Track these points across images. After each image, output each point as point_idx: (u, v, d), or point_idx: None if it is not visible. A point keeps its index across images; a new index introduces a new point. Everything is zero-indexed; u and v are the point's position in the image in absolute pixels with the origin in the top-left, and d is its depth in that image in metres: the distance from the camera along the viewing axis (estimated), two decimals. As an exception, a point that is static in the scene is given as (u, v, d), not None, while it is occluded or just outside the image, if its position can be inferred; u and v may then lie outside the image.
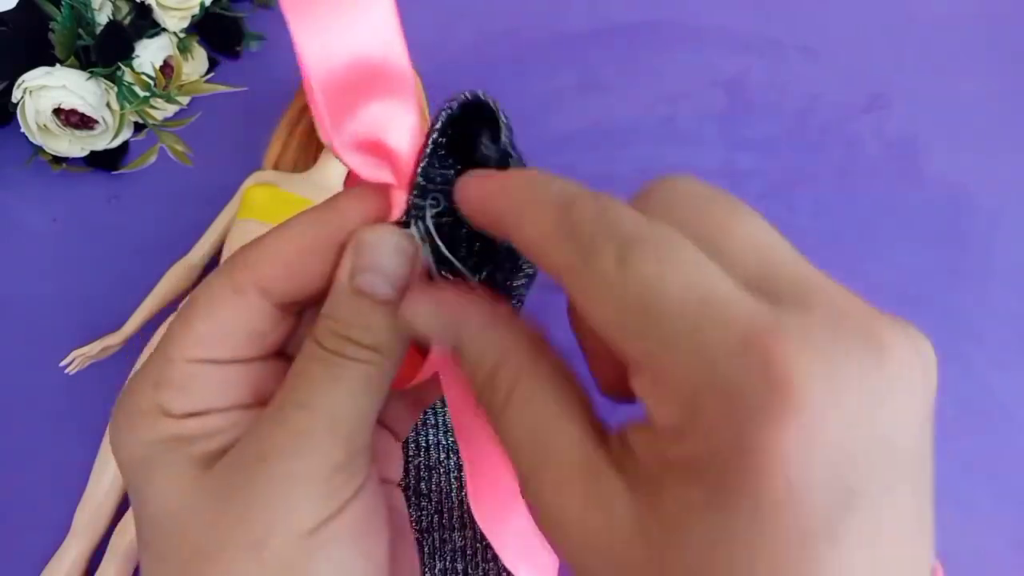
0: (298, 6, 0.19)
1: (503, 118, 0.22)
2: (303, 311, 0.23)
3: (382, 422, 0.26)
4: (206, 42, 0.49)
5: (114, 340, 0.41)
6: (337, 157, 0.22)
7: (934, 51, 0.50)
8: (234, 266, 0.21)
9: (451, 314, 0.20)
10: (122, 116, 0.45)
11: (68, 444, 0.40)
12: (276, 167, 0.46)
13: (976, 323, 0.42)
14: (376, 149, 0.21)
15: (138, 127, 0.47)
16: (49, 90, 0.43)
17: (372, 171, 0.22)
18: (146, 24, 0.46)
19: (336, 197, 0.22)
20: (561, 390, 0.19)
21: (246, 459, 0.20)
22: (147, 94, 0.44)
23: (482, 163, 0.22)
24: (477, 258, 0.23)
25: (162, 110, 0.47)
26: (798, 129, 0.47)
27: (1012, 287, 0.43)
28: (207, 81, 0.48)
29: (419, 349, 0.24)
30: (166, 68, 0.46)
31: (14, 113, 0.44)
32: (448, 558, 0.38)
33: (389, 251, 0.21)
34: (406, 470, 0.38)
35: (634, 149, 0.46)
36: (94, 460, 0.39)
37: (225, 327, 0.21)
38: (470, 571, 0.37)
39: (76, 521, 0.38)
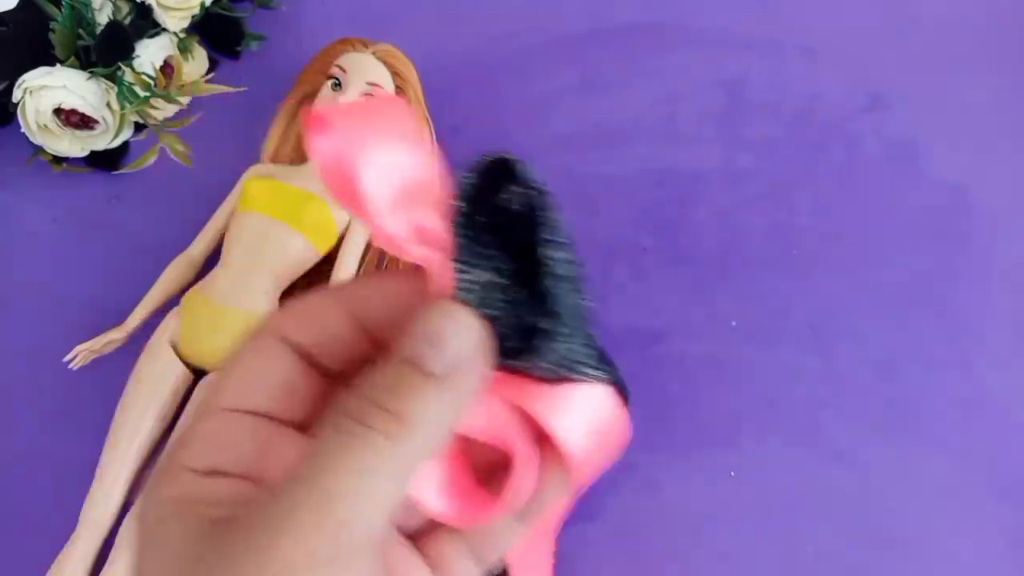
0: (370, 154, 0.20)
1: (519, 172, 0.20)
2: (331, 387, 0.21)
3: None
4: (206, 42, 0.49)
5: (117, 335, 0.41)
6: (393, 246, 0.21)
7: (934, 51, 0.50)
8: (265, 322, 0.21)
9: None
10: (122, 116, 0.45)
11: (73, 438, 0.40)
12: (274, 159, 0.46)
13: (976, 323, 0.42)
14: (421, 234, 0.20)
15: (138, 127, 0.47)
16: (49, 90, 0.43)
17: (418, 250, 0.21)
18: (146, 24, 0.46)
19: (368, 275, 0.22)
20: None
21: (237, 528, 0.18)
22: (147, 94, 0.44)
23: (504, 219, 0.20)
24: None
25: (162, 110, 0.47)
26: (798, 129, 0.47)
27: (1012, 287, 0.43)
28: (207, 81, 0.48)
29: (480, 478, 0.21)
30: (166, 68, 0.46)
31: (14, 113, 0.44)
32: None
33: (454, 326, 0.19)
34: None
35: (634, 149, 0.46)
36: (99, 454, 0.39)
37: (255, 373, 0.20)
38: None
39: (84, 515, 0.38)
